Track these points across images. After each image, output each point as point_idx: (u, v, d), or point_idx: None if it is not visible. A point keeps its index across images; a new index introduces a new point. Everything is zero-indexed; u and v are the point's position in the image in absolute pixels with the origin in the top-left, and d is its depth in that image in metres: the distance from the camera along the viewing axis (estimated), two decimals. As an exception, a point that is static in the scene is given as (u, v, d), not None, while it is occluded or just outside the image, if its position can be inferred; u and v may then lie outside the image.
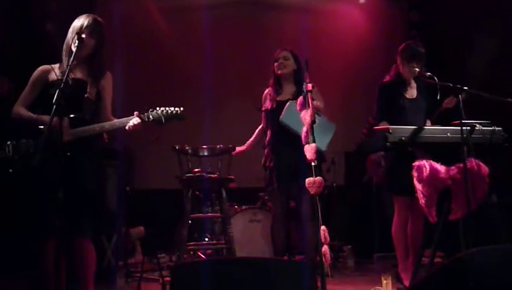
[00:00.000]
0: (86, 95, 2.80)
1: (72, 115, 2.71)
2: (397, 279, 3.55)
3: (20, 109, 2.83)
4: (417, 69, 3.50)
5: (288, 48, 3.86)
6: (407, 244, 3.60)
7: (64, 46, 2.85)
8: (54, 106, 2.40)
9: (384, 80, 3.73)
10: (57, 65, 2.87)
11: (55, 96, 2.42)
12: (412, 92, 3.72)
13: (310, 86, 2.78)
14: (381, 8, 6.55)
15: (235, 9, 6.24)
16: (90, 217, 2.81)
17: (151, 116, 2.79)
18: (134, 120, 2.76)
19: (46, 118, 2.58)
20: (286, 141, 3.54)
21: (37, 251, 2.74)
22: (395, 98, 3.63)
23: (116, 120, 2.82)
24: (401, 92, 3.67)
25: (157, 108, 2.81)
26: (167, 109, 2.81)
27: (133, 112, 2.81)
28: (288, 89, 3.80)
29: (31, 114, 2.79)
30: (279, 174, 3.66)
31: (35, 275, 2.78)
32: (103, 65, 2.92)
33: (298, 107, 2.90)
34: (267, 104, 3.80)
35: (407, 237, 3.61)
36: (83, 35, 2.71)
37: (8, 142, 2.72)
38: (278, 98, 3.78)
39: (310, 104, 2.70)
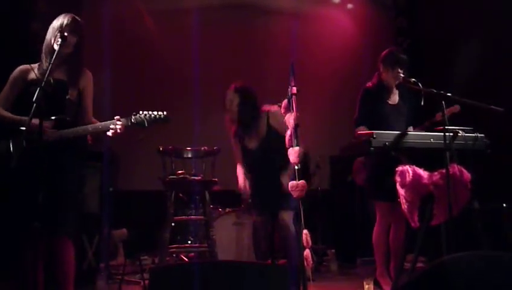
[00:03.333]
0: (67, 97, 2.77)
1: (53, 117, 2.68)
2: (376, 284, 3.55)
3: None
4: (402, 75, 3.52)
5: (232, 87, 3.74)
6: (388, 250, 3.61)
7: (44, 47, 2.82)
8: (34, 105, 2.37)
9: (367, 86, 3.73)
10: (36, 65, 2.84)
11: (35, 95, 2.39)
12: (394, 98, 3.73)
13: (294, 89, 2.79)
14: (369, 14, 6.58)
15: (226, 13, 6.22)
16: (72, 217, 2.77)
17: (134, 120, 2.78)
18: (116, 125, 2.72)
19: (27, 119, 2.52)
20: (262, 167, 3.67)
21: (17, 255, 2.69)
22: (377, 103, 3.64)
23: (99, 123, 2.80)
24: (384, 98, 3.68)
25: (141, 112, 2.81)
26: (150, 113, 2.81)
27: (120, 114, 2.78)
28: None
29: (11, 115, 2.74)
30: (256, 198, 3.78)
31: (15, 279, 2.74)
32: (82, 64, 2.89)
33: (283, 111, 2.92)
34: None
35: (389, 243, 3.62)
36: (65, 34, 2.68)
37: None
38: (246, 144, 3.79)
39: (294, 107, 2.71)
